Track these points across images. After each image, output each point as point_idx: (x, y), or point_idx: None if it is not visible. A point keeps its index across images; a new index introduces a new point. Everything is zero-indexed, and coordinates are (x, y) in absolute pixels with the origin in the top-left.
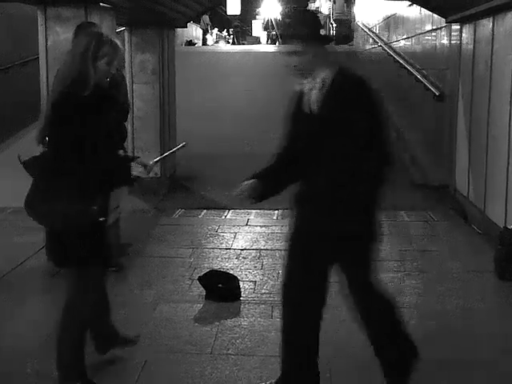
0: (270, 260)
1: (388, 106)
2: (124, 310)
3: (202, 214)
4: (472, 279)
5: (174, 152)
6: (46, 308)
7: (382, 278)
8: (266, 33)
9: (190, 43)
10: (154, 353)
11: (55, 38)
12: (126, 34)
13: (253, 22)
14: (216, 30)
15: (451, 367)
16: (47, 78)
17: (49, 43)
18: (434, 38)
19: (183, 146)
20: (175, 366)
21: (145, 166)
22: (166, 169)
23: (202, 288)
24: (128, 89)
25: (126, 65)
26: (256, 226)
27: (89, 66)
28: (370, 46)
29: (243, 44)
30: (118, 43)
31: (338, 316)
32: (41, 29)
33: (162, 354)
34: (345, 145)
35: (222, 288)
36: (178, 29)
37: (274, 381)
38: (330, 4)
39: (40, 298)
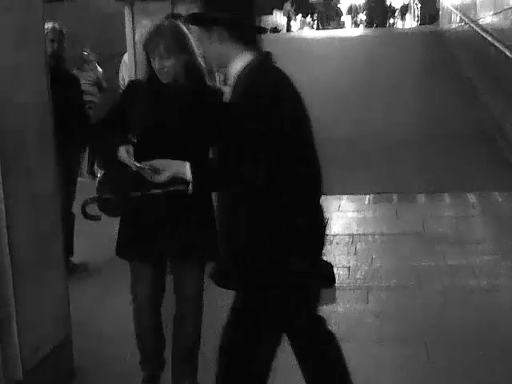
0: (364, 245)
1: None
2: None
3: None
4: None
5: None
6: None
7: (477, 260)
8: (350, 17)
9: (275, 30)
10: None
11: (142, 32)
12: None
13: (336, 6)
14: (300, 16)
15: None
16: (135, 71)
17: (136, 37)
18: None
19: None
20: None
21: None
22: None
23: None
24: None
25: None
26: (348, 211)
27: None
28: (456, 25)
29: (327, 29)
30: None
31: None
32: (128, 24)
33: None
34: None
35: None
36: (263, 16)
37: None
38: None
39: None
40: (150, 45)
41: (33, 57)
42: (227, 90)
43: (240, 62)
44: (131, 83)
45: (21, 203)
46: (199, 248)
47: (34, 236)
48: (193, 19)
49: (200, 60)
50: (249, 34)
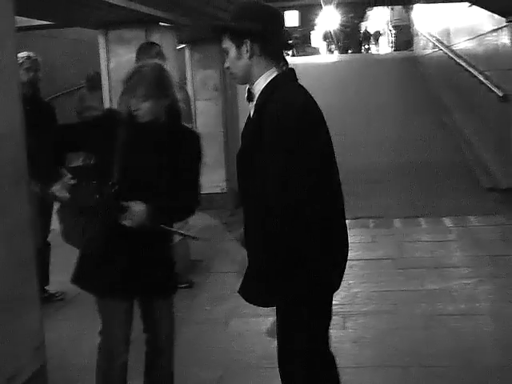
0: None
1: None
2: (196, 326)
3: None
4: None
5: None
6: None
7: (454, 285)
8: (325, 43)
9: None
10: (228, 368)
11: (118, 60)
12: (187, 51)
13: (311, 32)
14: None
15: None
16: (110, 99)
17: (111, 65)
18: (495, 38)
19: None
20: (250, 381)
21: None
22: (232, 184)
23: None
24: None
25: (188, 82)
26: None
27: None
28: (431, 51)
29: (303, 55)
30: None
31: None
32: (102, 51)
33: (236, 369)
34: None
35: None
36: None
37: None
38: (388, 11)
39: None
40: (128, 83)
41: (6, 87)
42: (251, 106)
43: (266, 77)
44: (108, 112)
45: None
46: (169, 282)
47: (8, 267)
48: (225, 31)
49: (179, 103)
50: (278, 49)
